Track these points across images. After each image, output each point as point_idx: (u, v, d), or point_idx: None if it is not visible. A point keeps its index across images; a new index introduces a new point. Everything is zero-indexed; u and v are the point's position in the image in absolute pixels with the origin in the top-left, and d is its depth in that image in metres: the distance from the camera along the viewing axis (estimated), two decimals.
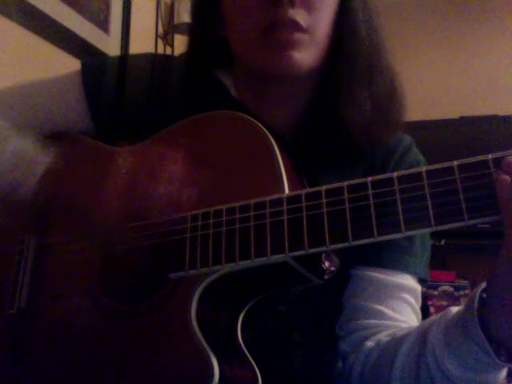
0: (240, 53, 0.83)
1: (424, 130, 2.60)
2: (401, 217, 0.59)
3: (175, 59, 0.98)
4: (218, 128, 0.76)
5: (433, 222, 0.57)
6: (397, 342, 0.76)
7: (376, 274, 0.83)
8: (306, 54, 0.78)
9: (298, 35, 0.77)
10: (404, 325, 0.81)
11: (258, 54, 0.79)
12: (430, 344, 0.70)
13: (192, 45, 0.90)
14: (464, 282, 2.61)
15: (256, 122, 0.73)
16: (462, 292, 2.59)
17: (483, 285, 0.65)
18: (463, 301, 2.55)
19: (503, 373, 0.67)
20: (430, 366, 0.70)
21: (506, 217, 0.55)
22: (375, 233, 0.59)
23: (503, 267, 0.59)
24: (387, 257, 0.83)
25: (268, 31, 0.77)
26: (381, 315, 0.82)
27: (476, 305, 0.64)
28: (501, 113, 2.84)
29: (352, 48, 0.81)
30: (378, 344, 0.79)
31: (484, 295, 0.64)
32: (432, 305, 2.56)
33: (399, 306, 0.83)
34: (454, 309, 0.70)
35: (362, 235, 0.60)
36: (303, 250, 0.62)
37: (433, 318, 0.74)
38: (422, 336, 0.73)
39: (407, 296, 0.83)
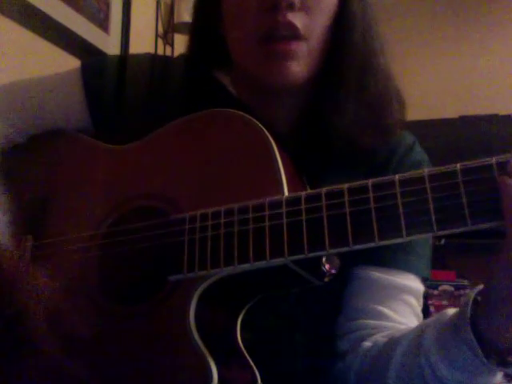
0: (237, 57, 0.83)
1: (423, 129, 2.58)
2: (402, 221, 0.58)
3: (174, 60, 0.98)
4: (215, 126, 0.76)
5: (435, 227, 0.56)
6: (393, 343, 0.76)
7: (378, 274, 0.83)
8: (303, 65, 0.78)
9: (295, 44, 0.76)
10: (403, 327, 0.81)
11: (255, 63, 0.78)
12: (424, 346, 0.70)
13: (192, 43, 0.90)
14: (464, 282, 2.61)
15: (255, 120, 0.72)
16: (462, 291, 2.58)
17: (479, 287, 0.65)
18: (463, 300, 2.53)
19: (497, 377, 0.67)
20: (424, 368, 0.70)
21: (509, 223, 0.55)
22: (376, 237, 0.59)
23: (502, 273, 0.59)
24: (389, 256, 0.83)
25: (266, 39, 0.76)
26: (380, 316, 0.82)
27: (469, 307, 0.64)
28: (501, 112, 2.84)
29: (344, 55, 0.80)
30: (375, 344, 0.79)
31: (479, 298, 0.64)
32: (432, 304, 2.56)
33: (400, 307, 0.82)
34: (450, 311, 0.70)
35: (362, 239, 0.59)
36: (303, 254, 0.62)
37: (429, 320, 0.75)
38: (417, 338, 0.73)
39: (408, 297, 0.83)
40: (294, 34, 0.76)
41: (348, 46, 0.80)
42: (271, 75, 0.77)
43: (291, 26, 0.75)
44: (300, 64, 0.77)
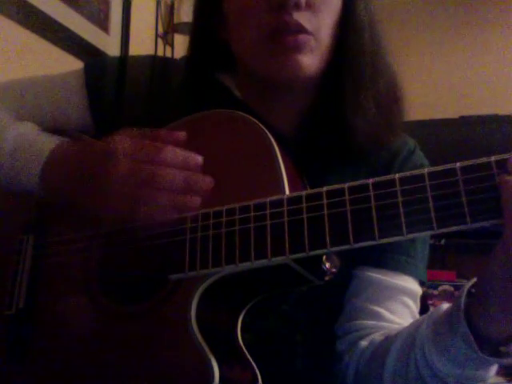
0: (244, 58, 0.83)
1: (424, 129, 2.59)
2: (402, 219, 0.58)
3: (175, 62, 0.98)
4: (217, 127, 0.76)
5: (435, 224, 0.57)
6: (389, 340, 0.77)
7: (377, 275, 0.83)
8: (313, 58, 0.78)
9: (302, 37, 0.76)
10: (399, 327, 0.81)
11: (263, 60, 0.78)
12: (419, 339, 0.71)
13: (193, 46, 0.90)
14: (464, 282, 2.60)
15: (256, 121, 0.72)
16: None
17: (473, 280, 0.66)
18: None
19: (492, 370, 0.67)
20: (419, 362, 0.71)
21: (507, 219, 0.55)
22: (376, 235, 0.59)
23: (497, 268, 0.59)
24: (389, 258, 0.83)
25: (273, 36, 0.76)
26: (378, 317, 0.82)
27: (463, 300, 0.65)
28: (501, 112, 2.83)
29: (355, 52, 0.81)
30: (372, 343, 0.80)
31: (473, 290, 0.65)
32: (432, 304, 2.55)
33: (398, 308, 0.83)
34: (445, 306, 0.71)
35: (363, 237, 0.60)
36: (304, 253, 0.62)
37: (424, 316, 0.75)
38: (412, 333, 0.73)
39: (406, 299, 0.84)
40: (302, 31, 0.76)
41: (356, 45, 0.81)
42: (282, 69, 0.77)
43: (298, 26, 0.76)
44: (310, 57, 0.77)
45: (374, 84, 0.82)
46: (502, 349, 0.63)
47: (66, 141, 0.80)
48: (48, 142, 0.79)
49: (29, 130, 0.84)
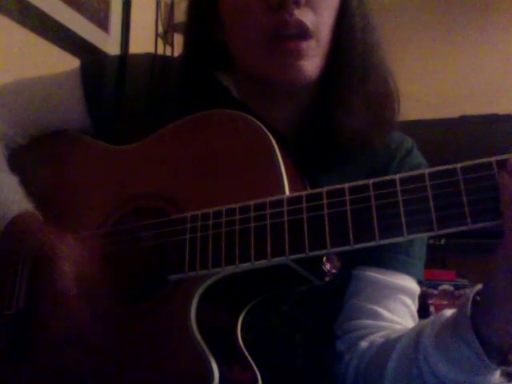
0: (243, 58, 0.82)
1: (423, 129, 2.59)
2: (403, 220, 0.58)
3: (175, 60, 0.97)
4: (217, 127, 0.76)
5: (435, 225, 0.57)
6: (391, 343, 0.77)
7: (375, 275, 0.83)
8: (314, 62, 0.78)
9: (305, 44, 0.76)
10: (399, 326, 0.81)
11: (263, 62, 0.78)
12: (422, 344, 0.71)
13: (188, 47, 0.90)
14: (464, 281, 2.60)
15: (256, 121, 0.72)
16: (462, 291, 2.58)
17: (478, 287, 0.65)
18: None
19: (495, 376, 0.67)
20: (422, 367, 0.71)
21: (507, 219, 0.55)
22: (377, 236, 0.59)
23: (499, 271, 0.59)
24: (388, 257, 0.83)
25: (275, 38, 0.76)
26: (377, 316, 0.82)
27: (469, 307, 0.64)
28: (501, 112, 2.83)
29: (347, 51, 0.81)
30: (373, 345, 0.80)
31: (478, 298, 0.64)
32: (432, 304, 2.55)
33: (396, 307, 0.83)
34: (448, 311, 0.71)
35: (363, 238, 0.60)
36: (304, 253, 0.62)
37: (426, 320, 0.75)
38: (415, 337, 0.73)
39: (405, 298, 0.84)
40: (303, 32, 0.76)
41: (349, 43, 0.81)
42: (283, 73, 0.77)
43: (300, 24, 0.76)
44: (311, 62, 0.77)
45: (366, 82, 0.82)
46: (511, 357, 0.62)
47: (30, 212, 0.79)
48: (15, 207, 0.78)
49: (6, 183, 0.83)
